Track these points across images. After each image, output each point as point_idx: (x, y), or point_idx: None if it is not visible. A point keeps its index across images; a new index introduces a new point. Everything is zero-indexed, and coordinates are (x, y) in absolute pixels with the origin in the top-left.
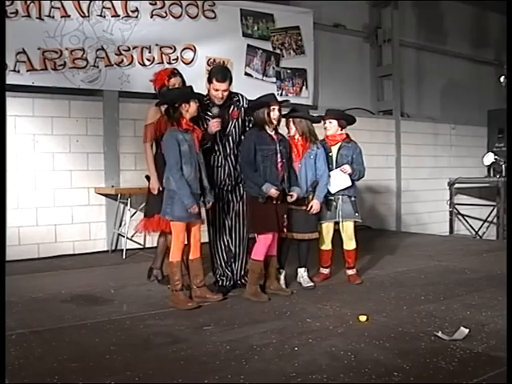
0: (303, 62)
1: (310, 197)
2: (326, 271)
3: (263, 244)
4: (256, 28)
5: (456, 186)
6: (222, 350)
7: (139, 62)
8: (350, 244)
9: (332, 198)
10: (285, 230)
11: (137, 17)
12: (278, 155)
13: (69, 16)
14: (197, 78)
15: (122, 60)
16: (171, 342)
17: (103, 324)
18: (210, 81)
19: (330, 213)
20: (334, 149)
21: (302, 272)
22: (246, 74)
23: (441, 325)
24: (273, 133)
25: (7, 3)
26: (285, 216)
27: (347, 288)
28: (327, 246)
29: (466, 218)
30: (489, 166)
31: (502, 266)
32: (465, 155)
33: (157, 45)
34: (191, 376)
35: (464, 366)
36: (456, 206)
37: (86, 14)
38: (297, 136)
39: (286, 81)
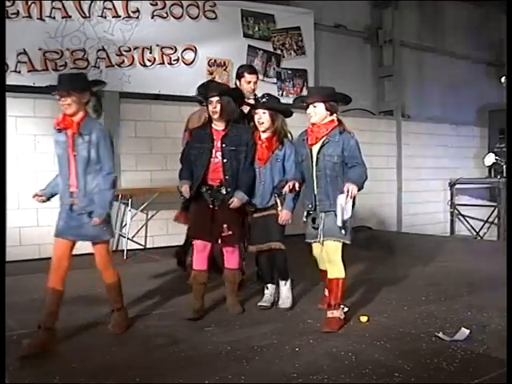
0: (304, 63)
1: (279, 201)
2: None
3: (196, 251)
4: (257, 28)
5: (457, 186)
6: (222, 350)
7: (140, 63)
8: (331, 271)
9: (312, 212)
10: (219, 240)
11: (138, 17)
12: (217, 154)
13: (70, 17)
14: (197, 79)
15: (123, 61)
16: (172, 343)
17: (104, 325)
18: (240, 76)
19: (314, 231)
20: (315, 149)
21: (282, 286)
22: None
23: (442, 325)
24: (221, 128)
25: (8, 4)
26: (225, 226)
27: (348, 289)
28: (324, 265)
29: (467, 218)
30: (490, 167)
31: (503, 267)
32: (466, 156)
33: (157, 45)
34: (192, 376)
35: (465, 366)
36: (457, 207)
37: (87, 15)
38: (266, 135)
39: (287, 81)
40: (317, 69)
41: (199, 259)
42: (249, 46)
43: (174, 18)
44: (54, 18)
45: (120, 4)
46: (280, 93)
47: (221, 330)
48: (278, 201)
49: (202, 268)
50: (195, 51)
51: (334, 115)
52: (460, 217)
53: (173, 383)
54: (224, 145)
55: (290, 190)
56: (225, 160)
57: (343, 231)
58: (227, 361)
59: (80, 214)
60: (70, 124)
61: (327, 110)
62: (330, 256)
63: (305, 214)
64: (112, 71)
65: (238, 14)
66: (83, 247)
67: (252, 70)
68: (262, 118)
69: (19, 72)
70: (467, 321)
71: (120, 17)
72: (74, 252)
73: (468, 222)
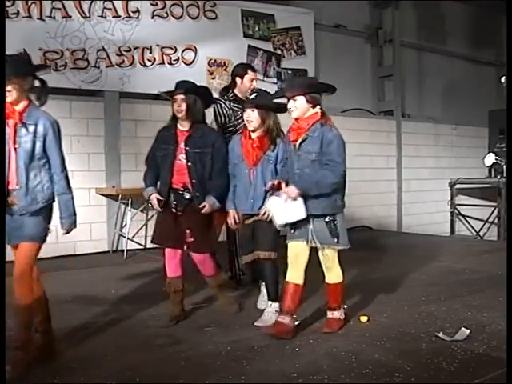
0: (304, 63)
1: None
2: (285, 320)
3: (167, 258)
4: (257, 28)
5: (457, 186)
6: (222, 350)
7: (140, 63)
8: (329, 276)
9: None
10: (184, 247)
11: (138, 17)
12: (180, 156)
13: (70, 17)
14: (198, 79)
15: (123, 61)
16: (172, 343)
17: (104, 325)
18: (242, 75)
19: (298, 230)
20: (297, 146)
21: (268, 306)
22: None
23: (442, 325)
24: (185, 128)
25: (8, 4)
26: (187, 231)
27: (347, 289)
28: (294, 277)
29: (467, 218)
30: (490, 167)
31: (503, 267)
32: (466, 156)
33: (158, 45)
34: (192, 376)
35: (465, 366)
36: (457, 207)
37: (87, 15)
38: (257, 133)
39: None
40: (317, 69)
41: (171, 266)
42: (249, 45)
43: (174, 18)
44: (54, 17)
45: (120, 4)
46: None
47: (221, 330)
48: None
49: (175, 275)
50: (195, 51)
51: (318, 107)
52: (460, 217)
53: (173, 383)
54: (188, 147)
55: (277, 189)
56: (189, 163)
57: (335, 238)
58: (227, 361)
59: (21, 214)
60: (11, 113)
61: (308, 102)
62: (326, 263)
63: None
64: (112, 71)
65: (238, 14)
66: (84, 248)
67: (254, 68)
68: (251, 116)
69: None
70: (467, 321)
71: (120, 17)
72: (75, 252)
73: (468, 222)
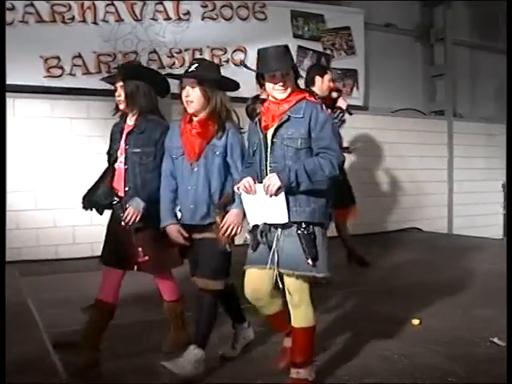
0: (354, 63)
1: (219, 220)
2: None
3: (103, 279)
4: (306, 29)
5: None
6: (271, 351)
7: None
8: (294, 316)
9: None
10: (136, 267)
11: (188, 19)
12: (121, 157)
13: (122, 20)
14: (247, 80)
15: (174, 62)
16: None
17: (158, 322)
18: (322, 74)
19: (257, 255)
20: (270, 133)
21: (188, 354)
22: None
23: (497, 330)
24: (131, 122)
25: (64, 9)
26: (139, 249)
27: (399, 290)
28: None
29: None
30: None
31: None
32: None
33: (208, 47)
34: (244, 376)
35: None
36: None
37: (139, 18)
38: (198, 117)
39: (337, 82)
40: (367, 68)
41: (104, 288)
42: (298, 46)
43: (224, 19)
44: (108, 21)
45: (171, 7)
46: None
47: (266, 328)
48: (218, 219)
49: (105, 300)
50: (245, 52)
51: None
52: None
53: (233, 383)
54: (127, 146)
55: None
56: (126, 166)
57: (310, 260)
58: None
59: None
60: None
61: (296, 77)
62: (293, 298)
63: (249, 227)
64: (163, 72)
65: (287, 15)
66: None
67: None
68: (191, 95)
69: (74, 75)
70: None
71: (171, 19)
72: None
73: None
